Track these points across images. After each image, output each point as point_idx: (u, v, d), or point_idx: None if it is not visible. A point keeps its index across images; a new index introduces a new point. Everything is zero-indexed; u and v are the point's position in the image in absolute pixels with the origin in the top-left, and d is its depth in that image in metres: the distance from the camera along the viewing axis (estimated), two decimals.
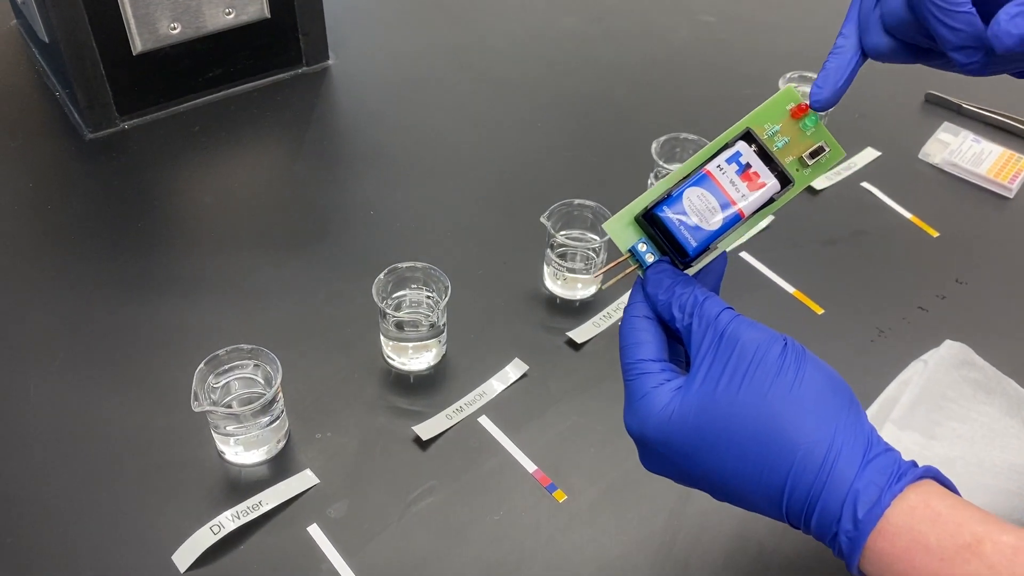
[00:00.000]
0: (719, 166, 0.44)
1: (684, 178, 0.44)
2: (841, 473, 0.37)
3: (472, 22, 1.09)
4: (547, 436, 0.65)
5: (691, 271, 0.44)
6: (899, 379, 0.67)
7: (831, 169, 0.46)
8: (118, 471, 0.61)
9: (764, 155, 0.44)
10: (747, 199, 0.43)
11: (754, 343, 0.39)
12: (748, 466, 0.38)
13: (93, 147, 0.87)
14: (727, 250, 0.45)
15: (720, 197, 0.43)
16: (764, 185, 0.44)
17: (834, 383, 0.39)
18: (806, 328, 0.73)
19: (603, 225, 0.46)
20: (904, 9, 0.42)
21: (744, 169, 0.44)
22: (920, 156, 0.90)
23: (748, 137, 0.44)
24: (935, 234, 0.82)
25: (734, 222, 0.43)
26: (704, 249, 0.44)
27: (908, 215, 0.84)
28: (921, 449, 0.62)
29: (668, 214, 0.43)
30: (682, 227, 0.43)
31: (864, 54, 0.45)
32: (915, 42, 0.43)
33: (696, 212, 0.43)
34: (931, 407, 0.64)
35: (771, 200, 0.44)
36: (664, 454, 0.41)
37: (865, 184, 0.87)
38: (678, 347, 0.44)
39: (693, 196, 0.43)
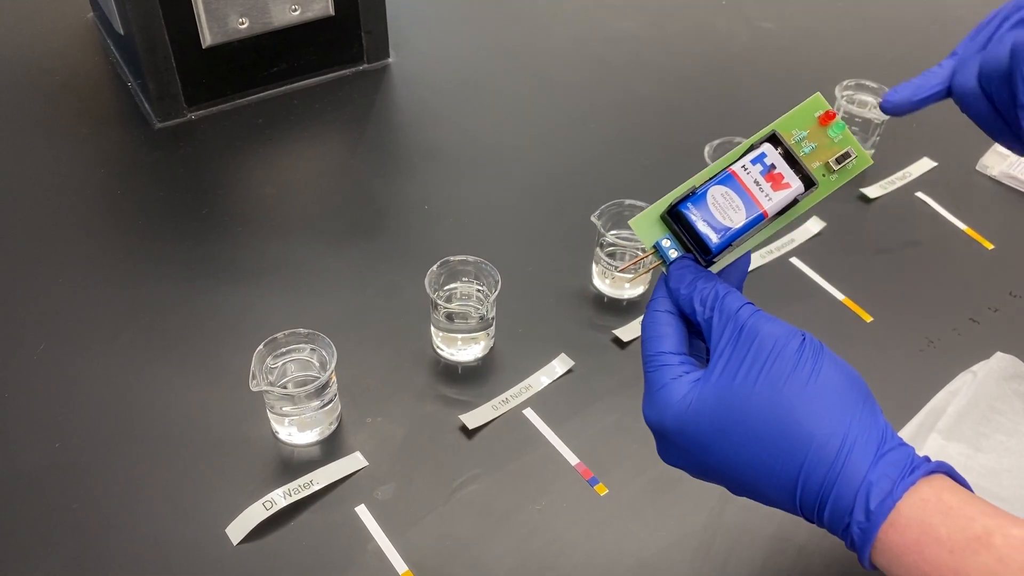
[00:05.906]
0: (744, 166, 0.45)
1: (710, 177, 0.45)
2: (854, 465, 0.37)
3: (530, 24, 1.10)
4: (590, 431, 0.66)
5: (714, 268, 0.45)
6: (946, 389, 0.67)
7: (855, 175, 0.46)
8: (177, 446, 0.64)
9: (790, 158, 0.45)
10: (771, 199, 0.44)
11: (772, 337, 0.40)
12: (763, 457, 0.39)
13: (161, 136, 0.90)
14: (750, 250, 0.46)
15: (744, 196, 0.44)
16: (788, 186, 0.44)
17: (850, 379, 0.40)
18: (854, 335, 0.73)
19: (629, 222, 0.47)
20: (1004, 58, 0.43)
21: (769, 170, 0.44)
22: (977, 168, 0.89)
23: (774, 140, 0.45)
24: (990, 246, 0.82)
25: (757, 221, 0.44)
26: (727, 247, 0.44)
27: (963, 226, 0.83)
28: (967, 460, 0.61)
29: (692, 211, 0.44)
30: (705, 224, 0.44)
31: (949, 91, 0.46)
32: (996, 96, 0.44)
33: (720, 210, 0.44)
34: (978, 419, 0.64)
35: (795, 202, 0.45)
36: (681, 445, 0.41)
37: (920, 194, 0.86)
38: (698, 343, 0.45)
39: (717, 194, 0.44)
